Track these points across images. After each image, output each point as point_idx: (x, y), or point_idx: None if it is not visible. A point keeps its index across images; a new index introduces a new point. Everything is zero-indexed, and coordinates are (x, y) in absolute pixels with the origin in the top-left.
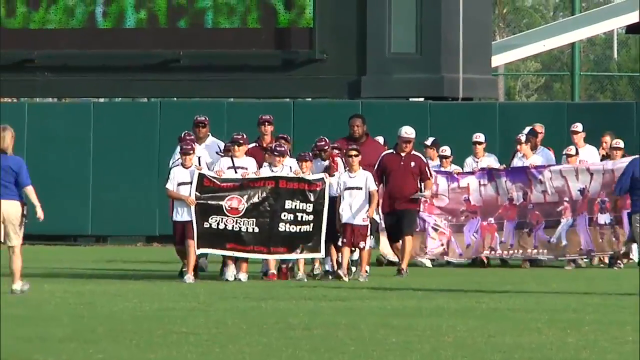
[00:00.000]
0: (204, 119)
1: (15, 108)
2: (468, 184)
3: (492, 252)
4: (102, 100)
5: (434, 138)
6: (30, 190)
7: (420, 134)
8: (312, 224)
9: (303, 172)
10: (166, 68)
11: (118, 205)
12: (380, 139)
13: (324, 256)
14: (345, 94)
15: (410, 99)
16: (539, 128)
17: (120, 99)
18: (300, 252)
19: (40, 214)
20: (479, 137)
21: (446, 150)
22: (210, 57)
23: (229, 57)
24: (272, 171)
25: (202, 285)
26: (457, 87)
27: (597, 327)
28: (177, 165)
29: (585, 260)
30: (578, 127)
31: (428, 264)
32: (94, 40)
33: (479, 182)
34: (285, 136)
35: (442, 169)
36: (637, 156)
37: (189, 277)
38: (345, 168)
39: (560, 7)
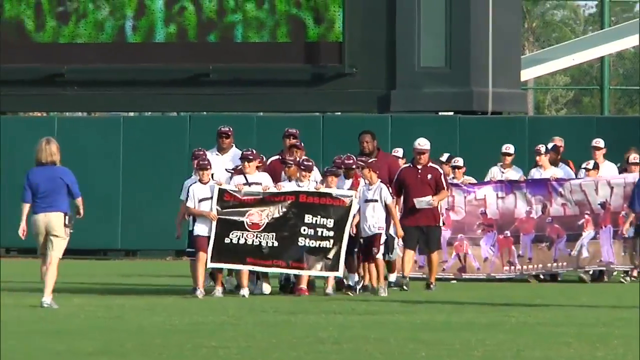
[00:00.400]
0: (227, 129)
1: (45, 122)
2: (485, 195)
3: (511, 267)
4: (131, 114)
5: (449, 154)
6: (80, 202)
7: (450, 148)
8: (332, 241)
9: (330, 187)
10: (196, 82)
11: (147, 219)
12: (400, 152)
13: (341, 276)
14: (374, 108)
15: (440, 113)
16: (559, 142)
17: (149, 113)
18: (319, 270)
19: (81, 211)
20: (509, 148)
21: (459, 161)
22: (240, 72)
23: (258, 71)
24: (299, 186)
25: (231, 299)
26: (487, 101)
27: (626, 341)
28: (195, 182)
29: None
30: (600, 143)
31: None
32: (123, 54)
33: (497, 194)
34: (297, 142)
35: (455, 180)
36: None
37: (200, 292)
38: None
39: (590, 21)
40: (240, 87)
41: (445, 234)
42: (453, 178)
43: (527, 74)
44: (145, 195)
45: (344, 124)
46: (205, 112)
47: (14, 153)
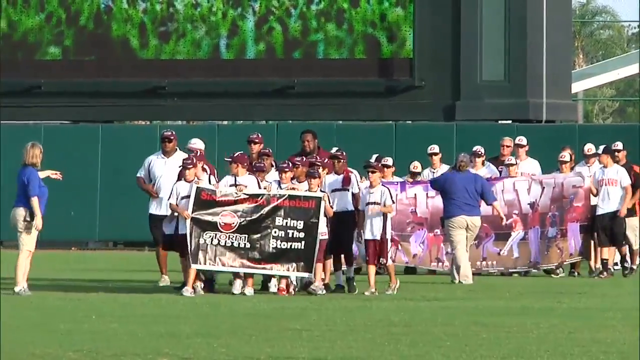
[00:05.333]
0: (170, 133)
1: (149, 129)
2: (415, 194)
3: (439, 264)
4: (225, 122)
5: (377, 154)
6: (33, 201)
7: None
8: (303, 242)
9: (311, 189)
10: (282, 94)
11: None
12: (389, 161)
13: (313, 276)
14: (441, 117)
15: (499, 122)
16: (480, 149)
17: (241, 121)
18: (291, 270)
19: (37, 224)
20: (434, 148)
21: (388, 160)
22: (322, 85)
23: (337, 84)
24: (281, 188)
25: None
26: (541, 111)
27: None
28: (180, 180)
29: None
30: (522, 140)
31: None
32: (218, 69)
33: (427, 194)
34: (266, 151)
35: (383, 179)
36: (452, 171)
37: (187, 290)
38: (357, 183)
39: (633, 40)
40: (321, 99)
41: None
42: (382, 177)
43: (577, 87)
44: None
45: (414, 132)
46: (290, 121)
47: (121, 158)
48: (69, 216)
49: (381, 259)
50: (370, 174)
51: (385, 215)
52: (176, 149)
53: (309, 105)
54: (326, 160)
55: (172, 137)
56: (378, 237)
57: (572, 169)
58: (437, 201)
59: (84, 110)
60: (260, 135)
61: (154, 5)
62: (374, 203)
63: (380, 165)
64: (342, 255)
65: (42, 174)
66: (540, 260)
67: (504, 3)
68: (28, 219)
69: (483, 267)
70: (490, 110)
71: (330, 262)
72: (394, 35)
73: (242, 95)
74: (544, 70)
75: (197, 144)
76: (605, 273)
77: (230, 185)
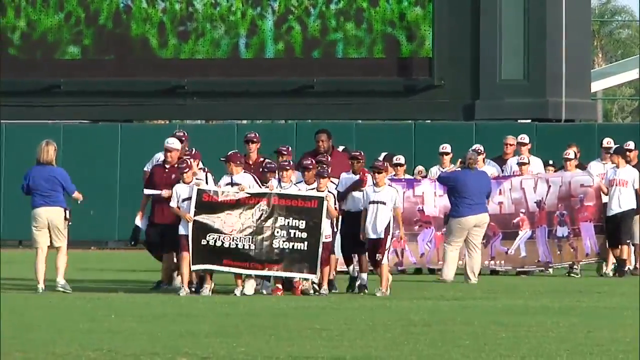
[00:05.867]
0: (182, 134)
1: (168, 129)
2: (423, 192)
3: None
4: (244, 122)
5: (385, 153)
6: (77, 195)
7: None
8: (306, 242)
9: (320, 189)
10: (301, 93)
11: None
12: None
13: (318, 277)
14: (460, 116)
15: (519, 121)
16: (480, 147)
17: (260, 120)
18: (296, 272)
19: (79, 197)
20: (446, 147)
21: (400, 158)
22: (341, 84)
23: (357, 83)
24: (281, 187)
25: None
26: (561, 110)
27: None
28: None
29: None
30: (525, 139)
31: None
32: (237, 68)
33: (435, 192)
34: (286, 149)
35: (395, 177)
36: (465, 169)
37: (206, 289)
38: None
39: None
40: (341, 98)
41: None
42: (394, 175)
43: (597, 86)
44: None
45: (433, 131)
46: (309, 120)
47: (140, 158)
48: (89, 215)
49: (377, 255)
50: (377, 174)
51: (395, 218)
52: (186, 150)
53: (328, 105)
54: (329, 158)
55: (183, 139)
56: (382, 236)
57: (577, 166)
58: (446, 200)
59: (103, 109)
60: (257, 135)
61: (173, 5)
62: (379, 202)
63: (391, 164)
64: (357, 257)
65: None
66: (552, 260)
67: (523, 2)
68: (68, 217)
69: (491, 266)
70: (510, 110)
71: (334, 259)
72: (413, 34)
73: (261, 95)
74: (563, 70)
75: (174, 144)
76: (630, 272)
77: (227, 184)
